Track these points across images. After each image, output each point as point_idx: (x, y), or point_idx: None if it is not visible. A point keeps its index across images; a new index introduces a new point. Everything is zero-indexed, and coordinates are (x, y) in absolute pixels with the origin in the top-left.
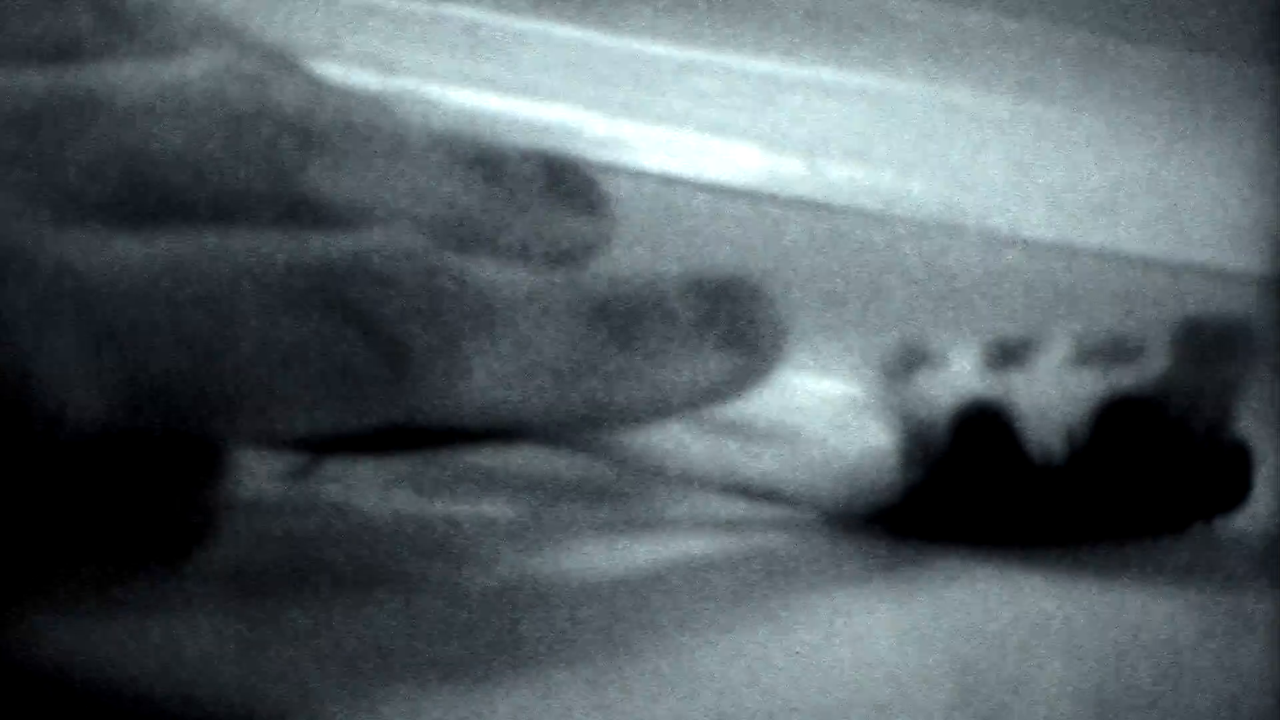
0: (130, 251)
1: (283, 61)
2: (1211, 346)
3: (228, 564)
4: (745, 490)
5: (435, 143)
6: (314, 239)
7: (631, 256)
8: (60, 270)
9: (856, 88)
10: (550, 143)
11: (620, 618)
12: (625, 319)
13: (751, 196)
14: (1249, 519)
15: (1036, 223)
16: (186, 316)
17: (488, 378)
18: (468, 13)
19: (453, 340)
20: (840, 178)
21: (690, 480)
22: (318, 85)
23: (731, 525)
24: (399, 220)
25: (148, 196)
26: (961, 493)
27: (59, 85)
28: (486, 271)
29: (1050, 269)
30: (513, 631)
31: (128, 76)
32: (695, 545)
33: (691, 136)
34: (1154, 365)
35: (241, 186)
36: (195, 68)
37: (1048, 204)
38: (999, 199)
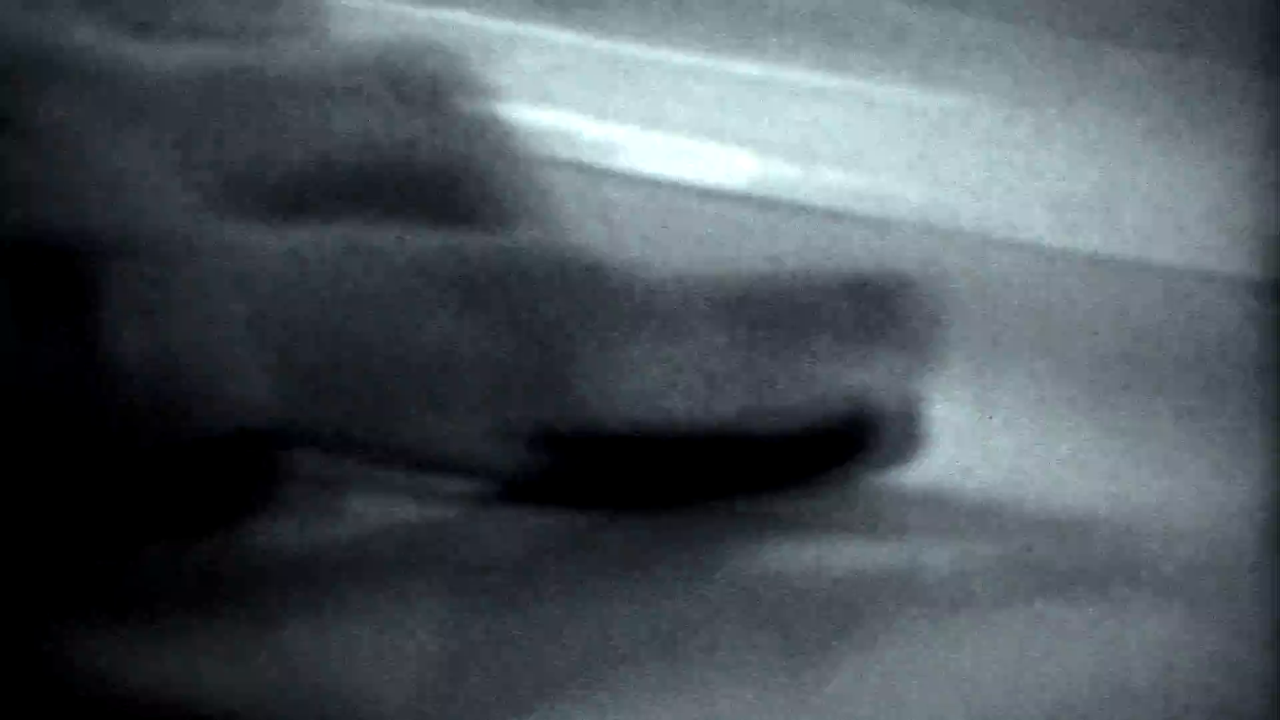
0: (294, 243)
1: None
2: (894, 327)
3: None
4: (420, 465)
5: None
6: (475, 239)
7: (628, 260)
8: (227, 260)
9: (851, 92)
10: (546, 147)
11: (307, 589)
12: (786, 320)
13: (746, 201)
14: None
15: (1032, 227)
16: (347, 312)
17: (646, 381)
18: (462, 18)
19: (613, 343)
20: (834, 182)
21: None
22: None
23: (409, 500)
24: (560, 220)
25: (313, 181)
26: (613, 460)
27: (237, 63)
28: (646, 275)
29: (1046, 273)
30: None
31: (302, 57)
32: (376, 522)
33: (686, 141)
34: None
35: (409, 171)
36: (365, 49)
37: (1043, 208)
38: (994, 203)
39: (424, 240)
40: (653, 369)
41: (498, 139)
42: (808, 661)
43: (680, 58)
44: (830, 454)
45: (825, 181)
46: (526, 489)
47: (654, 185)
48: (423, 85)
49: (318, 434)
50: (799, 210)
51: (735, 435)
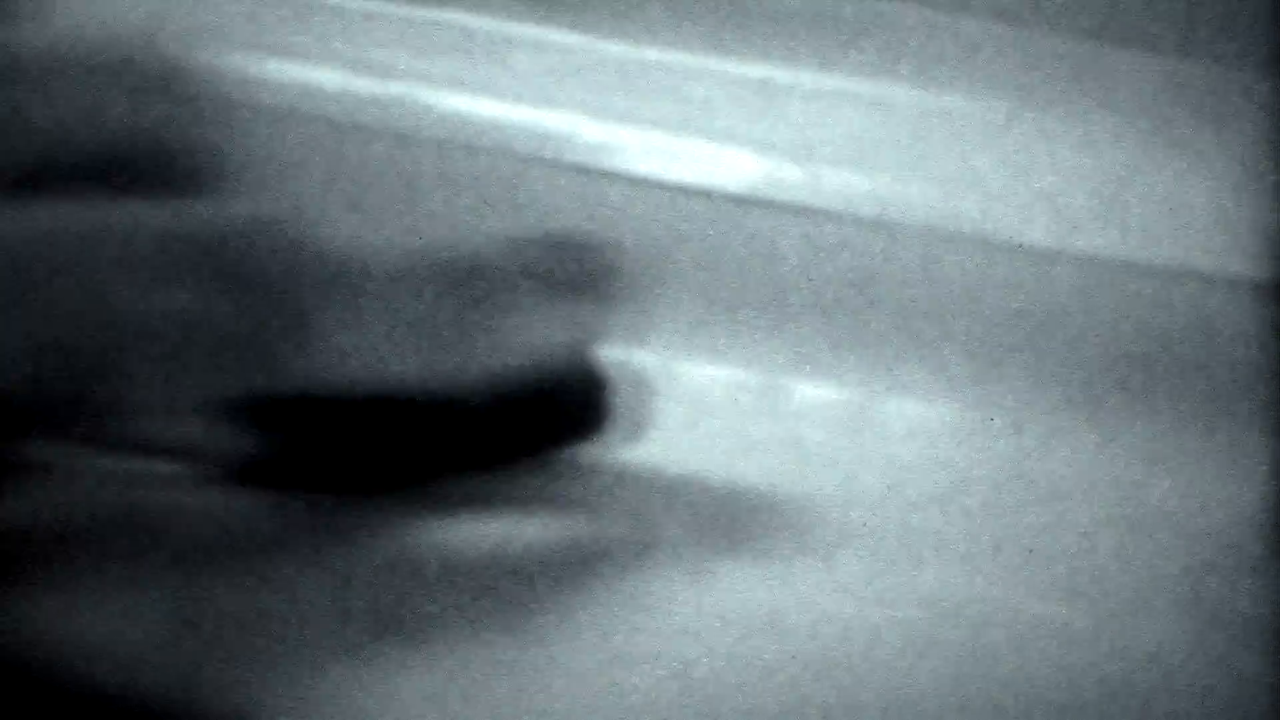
0: (28, 223)
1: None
2: (571, 281)
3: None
4: (148, 444)
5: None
6: (191, 208)
7: (626, 261)
8: None
9: (853, 93)
10: (546, 148)
11: (47, 564)
12: (477, 279)
13: (748, 202)
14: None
15: (1032, 228)
16: (75, 287)
17: (364, 341)
18: (463, 18)
19: (331, 305)
20: (836, 183)
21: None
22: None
23: (127, 484)
24: (269, 187)
25: (46, 161)
26: (331, 436)
27: None
28: (346, 237)
29: (1046, 274)
30: None
31: (31, 40)
32: (107, 502)
33: (687, 142)
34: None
35: (112, 147)
36: (94, 32)
37: (1044, 209)
38: (995, 204)
39: (151, 214)
40: (361, 331)
41: (218, 114)
42: (516, 636)
43: (680, 58)
44: (539, 427)
45: (826, 182)
46: (246, 470)
47: (654, 187)
48: (150, 65)
49: (52, 416)
50: (800, 211)
51: (443, 401)
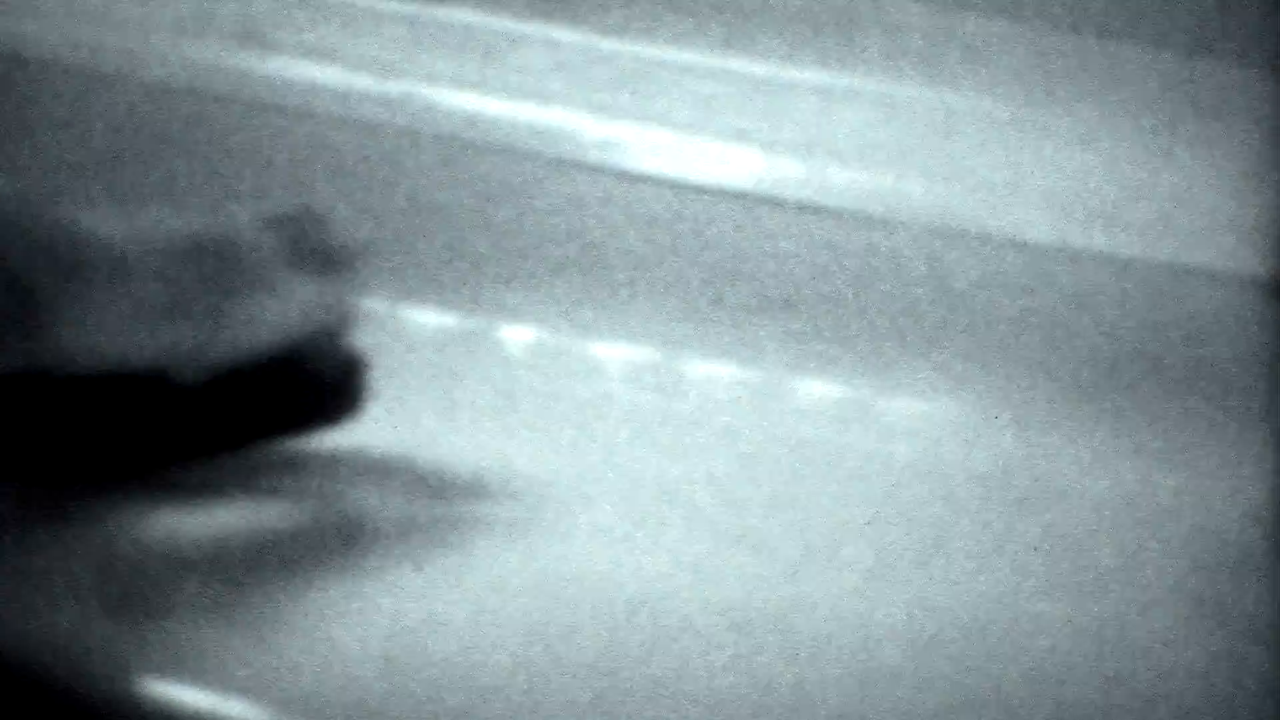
0: None
1: None
2: (319, 259)
3: None
4: None
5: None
6: None
7: (631, 261)
8: None
9: (856, 91)
10: (549, 145)
11: None
12: (216, 258)
13: (750, 199)
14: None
15: (1035, 226)
16: None
17: (102, 321)
18: (466, 16)
19: (71, 284)
20: (840, 181)
21: None
22: None
23: None
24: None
25: None
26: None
27: None
28: (88, 219)
29: (1049, 272)
30: None
31: None
32: None
33: (690, 139)
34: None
35: None
36: None
37: (1046, 207)
38: (998, 202)
39: None
40: (107, 309)
41: None
42: (251, 619)
43: (685, 56)
44: (285, 409)
45: (830, 180)
46: None
47: (658, 184)
48: None
49: None
50: (803, 208)
51: (181, 383)
